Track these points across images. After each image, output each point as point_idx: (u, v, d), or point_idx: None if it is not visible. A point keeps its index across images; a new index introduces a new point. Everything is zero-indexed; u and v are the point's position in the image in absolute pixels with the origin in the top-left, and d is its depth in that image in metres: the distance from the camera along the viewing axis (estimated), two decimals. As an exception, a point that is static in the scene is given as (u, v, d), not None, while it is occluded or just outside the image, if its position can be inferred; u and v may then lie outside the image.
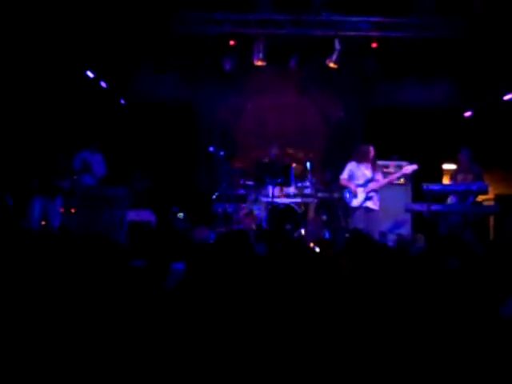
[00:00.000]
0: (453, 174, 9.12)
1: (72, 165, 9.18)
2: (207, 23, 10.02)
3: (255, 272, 3.34)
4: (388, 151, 9.98)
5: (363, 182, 8.23)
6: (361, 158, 8.34)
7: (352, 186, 8.26)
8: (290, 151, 10.88)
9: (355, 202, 8.24)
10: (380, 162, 9.13)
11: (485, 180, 8.48)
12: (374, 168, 8.33)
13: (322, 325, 2.71)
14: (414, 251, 5.19)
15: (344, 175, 8.35)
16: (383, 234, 8.50)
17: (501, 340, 2.54)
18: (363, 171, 8.28)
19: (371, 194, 8.19)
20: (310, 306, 2.91)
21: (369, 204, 8.19)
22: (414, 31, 10.08)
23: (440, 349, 2.52)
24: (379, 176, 8.32)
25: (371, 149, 8.33)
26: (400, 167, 8.57)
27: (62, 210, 8.57)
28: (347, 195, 8.32)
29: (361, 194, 8.19)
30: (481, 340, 2.56)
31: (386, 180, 8.35)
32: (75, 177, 9.10)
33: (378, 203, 8.25)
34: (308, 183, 10.18)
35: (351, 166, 8.35)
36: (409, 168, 8.35)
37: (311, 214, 10.18)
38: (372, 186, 8.19)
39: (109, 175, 9.67)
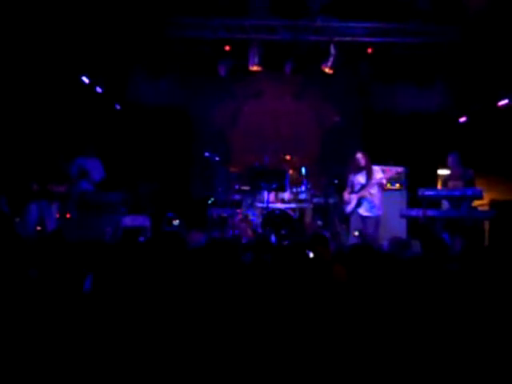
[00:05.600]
0: (444, 181, 9.11)
1: (68, 170, 9.11)
2: (202, 28, 10.03)
3: (245, 278, 3.33)
4: (383, 156, 9.98)
5: (357, 189, 8.29)
6: (354, 168, 8.38)
7: (345, 193, 8.48)
8: (285, 156, 10.88)
9: (348, 208, 8.47)
10: (375, 167, 9.11)
11: (479, 185, 8.49)
12: (369, 174, 8.25)
13: (313, 327, 2.71)
14: (408, 255, 5.19)
15: (347, 188, 8.46)
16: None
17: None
18: (358, 179, 8.32)
19: (362, 200, 8.22)
20: (304, 309, 2.91)
21: (361, 211, 8.26)
22: (410, 37, 10.11)
23: (435, 350, 2.52)
24: (374, 181, 8.25)
25: (358, 156, 8.32)
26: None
27: (57, 215, 8.52)
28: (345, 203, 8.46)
29: (353, 201, 8.28)
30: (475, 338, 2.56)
31: (371, 183, 8.22)
32: (72, 183, 9.03)
33: (373, 210, 8.20)
34: (303, 188, 10.19)
35: (350, 177, 8.45)
36: (392, 170, 8.44)
37: (307, 219, 10.17)
38: (362, 192, 8.22)
39: (104, 180, 9.63)
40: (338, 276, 3.68)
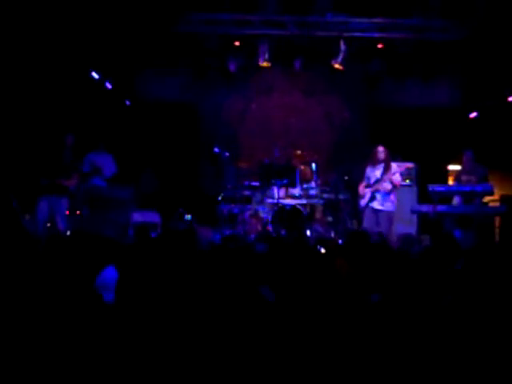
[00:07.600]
0: (457, 176, 9.12)
1: (80, 167, 9.12)
2: (212, 24, 10.03)
3: (256, 271, 3.34)
4: (393, 152, 9.95)
5: (371, 183, 8.25)
6: (372, 161, 8.34)
7: (360, 186, 8.43)
8: (296, 152, 10.86)
9: (362, 202, 8.42)
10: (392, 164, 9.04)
11: (490, 181, 8.46)
12: (387, 169, 8.20)
13: (321, 322, 2.71)
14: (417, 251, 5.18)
15: (363, 182, 8.42)
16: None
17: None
18: (375, 173, 8.30)
19: (376, 194, 8.18)
20: (312, 304, 2.91)
21: (374, 204, 8.21)
22: (419, 32, 10.06)
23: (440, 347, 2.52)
24: (390, 176, 8.17)
25: (379, 149, 8.28)
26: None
27: (67, 212, 8.52)
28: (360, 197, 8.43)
29: (367, 195, 8.24)
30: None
31: (385, 178, 8.19)
32: (84, 179, 9.04)
33: (386, 204, 8.16)
34: (313, 184, 10.17)
35: (367, 170, 8.43)
36: (403, 166, 8.40)
37: (317, 215, 10.15)
38: (376, 185, 8.18)
39: (115, 176, 9.64)
40: (340, 271, 3.68)
